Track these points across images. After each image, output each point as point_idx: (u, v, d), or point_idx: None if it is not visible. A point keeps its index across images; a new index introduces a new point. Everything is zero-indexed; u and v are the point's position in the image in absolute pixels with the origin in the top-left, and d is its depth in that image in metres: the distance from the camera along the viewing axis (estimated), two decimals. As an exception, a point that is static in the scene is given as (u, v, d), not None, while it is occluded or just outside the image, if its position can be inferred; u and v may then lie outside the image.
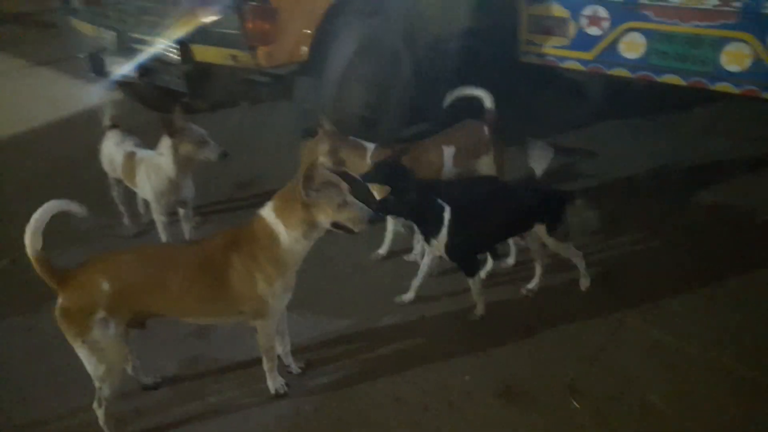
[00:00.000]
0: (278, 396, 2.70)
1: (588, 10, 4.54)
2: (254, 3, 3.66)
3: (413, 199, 2.89)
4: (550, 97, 5.79)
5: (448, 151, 3.50)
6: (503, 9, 5.01)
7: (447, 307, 3.24)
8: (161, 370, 2.86)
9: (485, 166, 3.60)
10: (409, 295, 3.27)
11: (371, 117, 4.46)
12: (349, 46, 4.16)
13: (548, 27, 4.79)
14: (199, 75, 4.16)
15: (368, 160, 3.41)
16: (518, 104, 5.75)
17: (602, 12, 4.48)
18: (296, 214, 2.33)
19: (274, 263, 2.39)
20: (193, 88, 4.17)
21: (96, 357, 2.26)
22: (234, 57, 3.79)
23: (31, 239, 2.14)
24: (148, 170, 3.42)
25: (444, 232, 2.92)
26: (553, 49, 4.82)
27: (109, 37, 4.47)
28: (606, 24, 4.48)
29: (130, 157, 3.56)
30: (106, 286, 2.24)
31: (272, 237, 2.37)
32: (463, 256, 3.04)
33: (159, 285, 2.36)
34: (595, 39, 4.58)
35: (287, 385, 2.73)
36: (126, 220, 4.05)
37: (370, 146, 3.48)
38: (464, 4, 4.98)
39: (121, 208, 4.02)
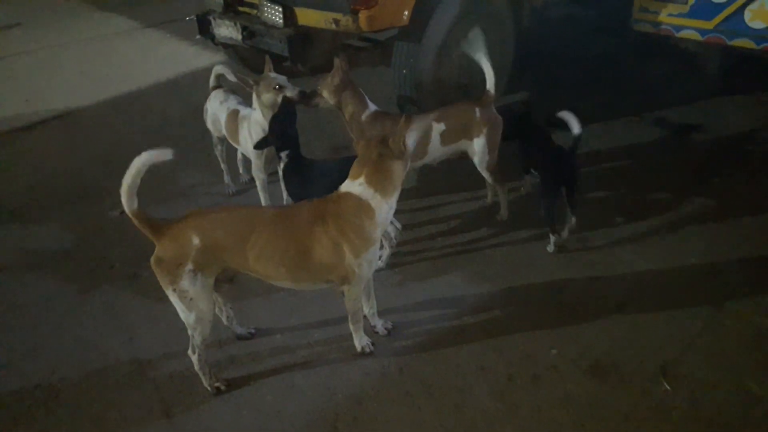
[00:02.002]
0: (364, 354, 2.77)
1: None
2: (359, -34, 3.66)
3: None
4: (661, 69, 5.51)
5: (437, 128, 3.41)
6: None
7: (535, 279, 3.20)
8: (255, 322, 3.00)
9: (478, 147, 3.46)
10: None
11: (468, 83, 4.39)
12: (452, 10, 4.10)
13: None
14: (300, 39, 4.23)
15: (363, 119, 3.40)
16: (628, 76, 5.55)
17: None
18: (396, 176, 2.37)
19: (365, 237, 2.43)
20: (294, 52, 4.26)
21: (185, 305, 2.38)
22: (336, 21, 3.82)
23: (126, 195, 2.23)
24: (249, 127, 3.54)
25: None
26: (669, 17, 4.54)
27: (216, -1, 4.61)
28: None
29: (233, 115, 3.69)
30: (196, 240, 2.33)
31: (367, 212, 2.40)
32: None
33: (243, 245, 2.40)
34: (719, 6, 4.27)
35: (373, 344, 2.80)
36: (227, 179, 4.22)
37: (372, 107, 3.44)
38: (575, -33, 4.81)
39: (223, 166, 4.19)
